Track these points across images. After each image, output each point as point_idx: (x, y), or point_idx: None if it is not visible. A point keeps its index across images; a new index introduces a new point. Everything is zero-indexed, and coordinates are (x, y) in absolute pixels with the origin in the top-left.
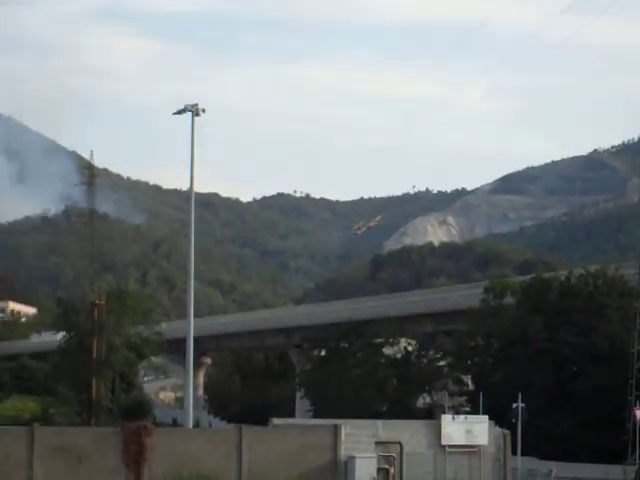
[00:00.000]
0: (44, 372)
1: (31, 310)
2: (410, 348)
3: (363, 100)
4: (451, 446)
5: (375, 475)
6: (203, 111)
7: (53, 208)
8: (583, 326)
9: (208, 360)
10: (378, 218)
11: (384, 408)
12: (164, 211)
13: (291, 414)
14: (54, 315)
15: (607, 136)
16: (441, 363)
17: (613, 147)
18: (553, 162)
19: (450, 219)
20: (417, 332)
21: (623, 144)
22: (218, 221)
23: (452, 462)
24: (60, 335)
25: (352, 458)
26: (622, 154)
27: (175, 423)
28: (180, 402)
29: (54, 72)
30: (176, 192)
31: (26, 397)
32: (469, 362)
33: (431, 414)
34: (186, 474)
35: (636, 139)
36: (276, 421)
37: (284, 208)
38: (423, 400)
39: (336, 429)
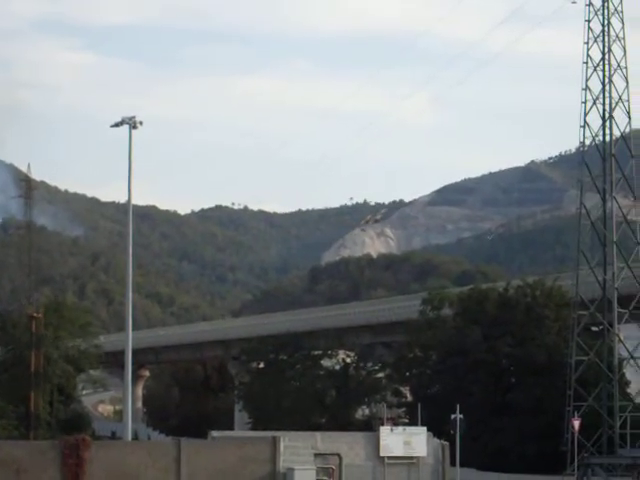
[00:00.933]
0: None
1: None
2: (349, 360)
3: (301, 112)
4: (390, 457)
5: None
6: (141, 124)
7: None
8: (521, 337)
9: (146, 373)
10: (383, 211)
11: (323, 420)
12: (102, 224)
13: (230, 426)
14: None
15: (544, 147)
16: (380, 375)
17: (550, 158)
18: (490, 173)
19: (388, 231)
20: (356, 344)
21: (560, 155)
22: (156, 234)
23: (391, 474)
24: None
25: (291, 470)
26: (559, 165)
27: (114, 436)
28: (119, 415)
29: None
30: (114, 205)
31: None
32: (407, 373)
33: (370, 426)
34: None
35: (573, 150)
36: (215, 433)
37: (222, 220)
38: (362, 412)
39: (275, 441)
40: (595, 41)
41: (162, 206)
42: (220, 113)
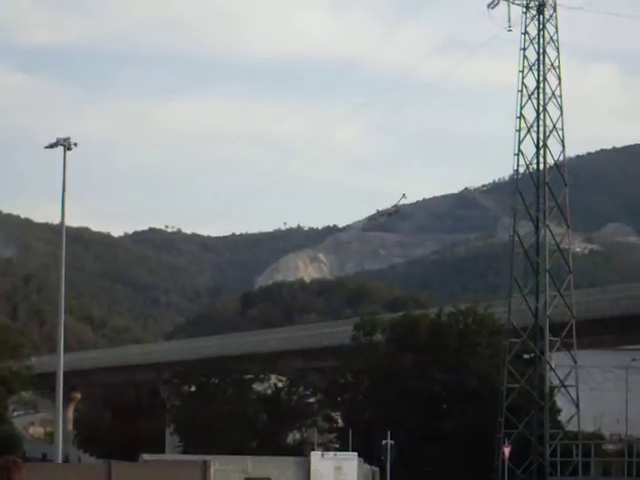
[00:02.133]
0: None
1: None
2: (280, 384)
3: (235, 136)
4: None
5: None
6: (75, 145)
7: None
8: (453, 364)
9: (78, 395)
10: (402, 198)
11: (254, 444)
12: (35, 245)
13: (161, 450)
14: None
15: (478, 175)
16: (311, 400)
17: (484, 186)
18: (425, 200)
19: (321, 256)
20: (288, 368)
21: (494, 183)
22: (90, 256)
23: None
24: None
25: None
26: (493, 193)
27: (45, 458)
28: (50, 437)
29: None
30: (47, 226)
31: None
32: (339, 399)
33: (301, 451)
34: None
35: (507, 178)
36: (146, 457)
37: (156, 243)
38: (293, 437)
39: (206, 465)
40: (530, 69)
41: (95, 228)
42: (151, 136)
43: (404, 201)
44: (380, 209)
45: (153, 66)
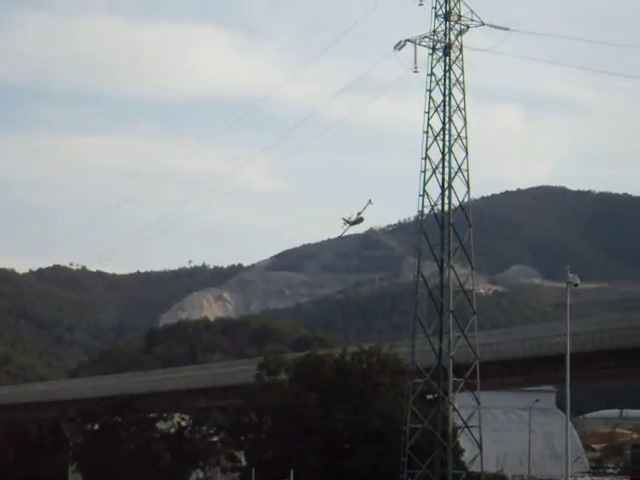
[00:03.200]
0: None
1: None
2: (184, 423)
3: (141, 172)
4: None
5: None
6: None
7: None
8: (357, 404)
9: None
10: (367, 204)
11: None
12: None
13: None
14: None
15: (383, 215)
16: (215, 438)
17: (389, 226)
18: (330, 240)
19: (226, 295)
20: (191, 407)
21: (399, 223)
22: None
23: None
24: None
25: None
26: (398, 233)
27: None
28: None
29: None
30: None
31: None
32: (243, 438)
33: None
34: None
35: (412, 219)
36: None
37: (60, 280)
38: (196, 475)
39: None
40: (436, 111)
41: None
42: (56, 172)
43: (309, 240)
44: (346, 217)
45: (62, 103)
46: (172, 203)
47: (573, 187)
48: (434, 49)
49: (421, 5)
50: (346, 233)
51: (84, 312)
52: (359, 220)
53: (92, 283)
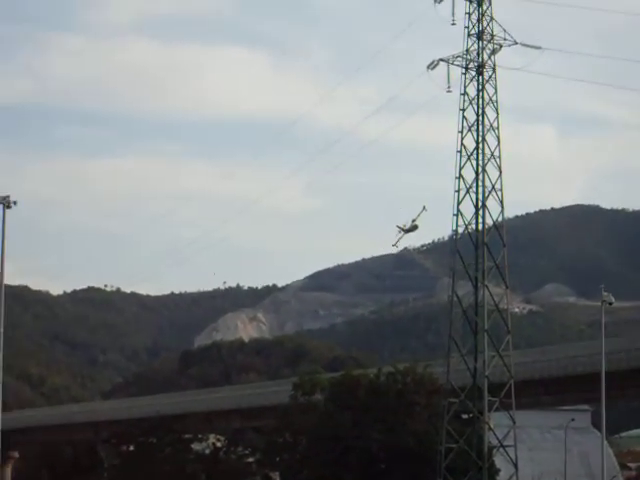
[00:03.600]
0: None
1: None
2: (219, 444)
3: (174, 194)
4: None
5: None
6: (15, 203)
7: None
8: (392, 424)
9: (16, 454)
10: (422, 211)
11: None
12: None
13: None
14: None
15: (417, 235)
16: (250, 459)
17: (423, 246)
18: (363, 260)
19: (260, 315)
20: (226, 428)
21: (433, 243)
22: (28, 314)
23: None
24: None
25: None
26: (432, 253)
27: None
28: None
29: None
30: None
31: None
32: (277, 459)
33: None
34: None
35: (446, 238)
36: None
37: (95, 302)
38: None
39: None
40: (469, 130)
41: (34, 286)
42: (89, 194)
43: (343, 261)
44: (400, 225)
45: (93, 124)
46: (207, 224)
47: (607, 205)
48: (467, 68)
49: (454, 24)
50: (379, 253)
51: (118, 334)
52: (414, 228)
53: (126, 304)
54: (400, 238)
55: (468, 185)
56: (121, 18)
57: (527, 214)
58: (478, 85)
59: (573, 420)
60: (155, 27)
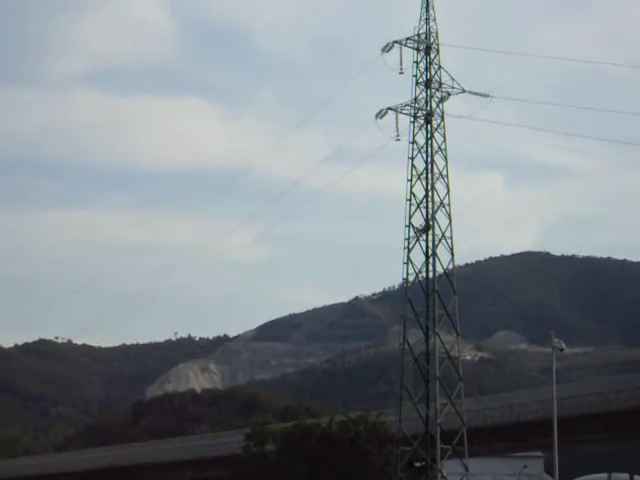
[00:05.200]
0: None
1: None
2: None
3: (124, 246)
4: None
5: None
6: None
7: None
8: (345, 473)
9: None
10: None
11: None
12: None
13: None
14: None
15: (368, 284)
16: None
17: (374, 294)
18: (315, 309)
19: (212, 366)
20: (179, 479)
21: (384, 291)
22: None
23: None
24: None
25: None
26: (383, 301)
27: None
28: None
29: None
30: None
31: None
32: None
33: None
34: None
35: (397, 287)
36: None
37: (46, 354)
38: None
39: None
40: (419, 178)
41: None
42: (40, 245)
43: (295, 310)
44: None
45: (44, 176)
46: (156, 275)
47: (557, 252)
48: (415, 117)
49: (402, 73)
50: (331, 302)
51: (70, 386)
52: (428, 227)
53: (78, 356)
54: (417, 239)
55: (418, 233)
56: (71, 70)
57: (477, 262)
58: (427, 133)
59: (526, 467)
60: (106, 78)
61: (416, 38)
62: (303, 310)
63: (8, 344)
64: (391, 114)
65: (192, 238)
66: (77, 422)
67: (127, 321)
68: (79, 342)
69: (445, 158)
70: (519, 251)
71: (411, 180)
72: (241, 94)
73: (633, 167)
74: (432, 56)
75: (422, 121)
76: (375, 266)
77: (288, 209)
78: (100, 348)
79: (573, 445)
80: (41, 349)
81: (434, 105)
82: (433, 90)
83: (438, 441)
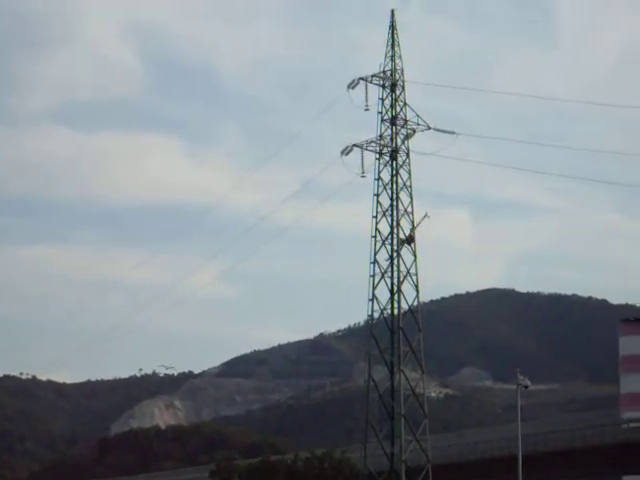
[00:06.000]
0: None
1: None
2: None
3: (89, 282)
4: None
5: None
6: None
7: None
8: None
9: None
10: (424, 218)
11: None
12: None
13: None
14: None
15: (333, 320)
16: None
17: (339, 331)
18: (280, 345)
19: (177, 402)
20: None
21: (349, 328)
22: None
23: None
24: None
25: None
26: (348, 338)
27: None
28: None
29: None
30: None
31: None
32: None
33: None
34: None
35: (362, 323)
36: None
37: (10, 390)
38: None
39: None
40: (384, 215)
41: None
42: (4, 281)
43: (259, 347)
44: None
45: (5, 213)
46: (122, 311)
47: (522, 289)
48: (381, 153)
49: (367, 110)
50: (296, 338)
51: (35, 422)
52: (411, 239)
53: (43, 392)
54: (400, 249)
55: (383, 270)
56: (37, 106)
57: (442, 298)
58: (392, 170)
59: None
60: (71, 114)
61: (381, 75)
62: (268, 346)
63: None
64: (357, 151)
65: (158, 275)
66: (42, 458)
67: (92, 357)
68: (44, 378)
69: (410, 195)
70: (485, 287)
71: (376, 217)
72: (208, 130)
73: (598, 204)
74: (397, 93)
75: (387, 158)
76: (340, 302)
77: (254, 245)
78: (65, 384)
79: None
80: (5, 385)
81: (399, 142)
82: (398, 127)
83: (403, 478)
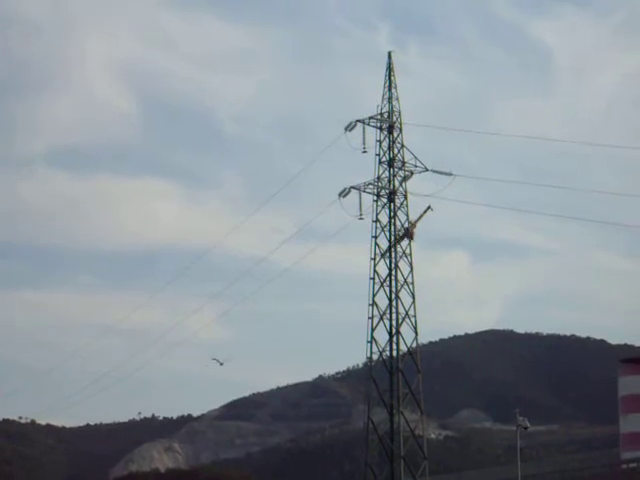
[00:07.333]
0: None
1: None
2: None
3: (88, 326)
4: None
5: None
6: None
7: None
8: None
9: None
10: (427, 210)
11: None
12: None
13: None
14: None
15: (332, 362)
16: None
17: (338, 373)
18: (279, 388)
19: (176, 445)
20: None
21: (348, 370)
22: None
23: None
24: None
25: None
26: (347, 380)
27: None
28: None
29: None
30: None
31: None
32: None
33: None
34: None
35: (361, 365)
36: None
37: (9, 434)
38: None
39: None
40: (382, 257)
41: None
42: (8, 325)
43: (259, 389)
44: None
45: (6, 256)
46: (121, 355)
47: (521, 330)
48: (379, 195)
49: (365, 152)
50: (295, 381)
51: (34, 466)
52: (410, 234)
53: (41, 437)
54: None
55: (382, 312)
56: (32, 149)
57: (441, 340)
58: (390, 212)
59: None
60: (68, 158)
61: (379, 117)
62: (267, 389)
63: None
64: (354, 193)
65: (156, 318)
66: None
67: (91, 401)
68: (43, 422)
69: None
70: (483, 329)
71: (374, 259)
72: (205, 174)
73: (596, 245)
74: (395, 135)
75: (385, 200)
76: (339, 344)
77: (252, 288)
78: (64, 428)
79: None
80: (4, 429)
81: (397, 184)
82: (396, 169)
83: None
